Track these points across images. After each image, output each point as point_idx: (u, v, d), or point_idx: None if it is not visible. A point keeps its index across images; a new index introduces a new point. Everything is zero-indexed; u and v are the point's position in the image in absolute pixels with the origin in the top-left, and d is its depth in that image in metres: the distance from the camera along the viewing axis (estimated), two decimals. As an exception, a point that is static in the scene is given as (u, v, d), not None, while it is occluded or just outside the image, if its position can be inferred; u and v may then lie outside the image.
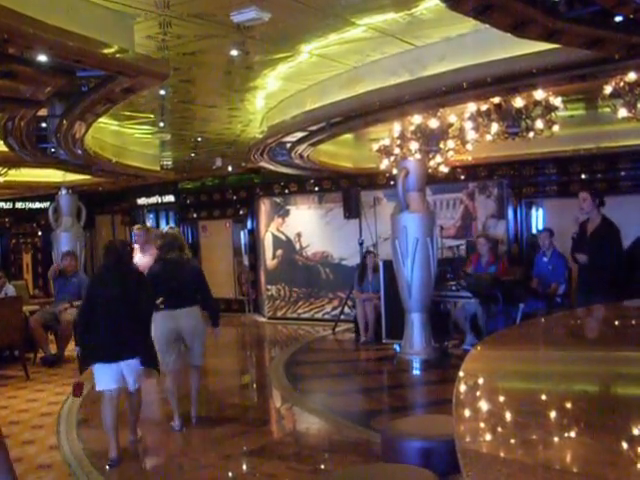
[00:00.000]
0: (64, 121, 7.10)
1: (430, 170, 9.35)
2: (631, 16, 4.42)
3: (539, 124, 7.50)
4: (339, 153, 11.82)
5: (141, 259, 7.82)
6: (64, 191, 13.36)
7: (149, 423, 6.65)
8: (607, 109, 7.59)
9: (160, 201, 16.86)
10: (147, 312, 5.72)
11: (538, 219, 11.61)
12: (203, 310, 6.45)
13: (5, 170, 11.29)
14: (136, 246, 7.98)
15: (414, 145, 8.42)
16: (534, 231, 11.41)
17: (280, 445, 5.97)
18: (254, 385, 8.66)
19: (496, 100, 7.43)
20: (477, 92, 6.84)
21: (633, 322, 4.70)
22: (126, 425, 5.81)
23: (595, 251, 6.98)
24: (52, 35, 4.50)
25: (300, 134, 9.02)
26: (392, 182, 10.90)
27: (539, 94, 7.22)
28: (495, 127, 7.60)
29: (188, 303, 6.25)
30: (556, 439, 2.22)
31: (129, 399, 5.77)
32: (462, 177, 11.86)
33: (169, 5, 5.19)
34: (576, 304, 7.52)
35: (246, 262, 15.25)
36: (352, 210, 12.18)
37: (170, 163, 13.59)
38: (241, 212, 15.47)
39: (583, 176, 10.97)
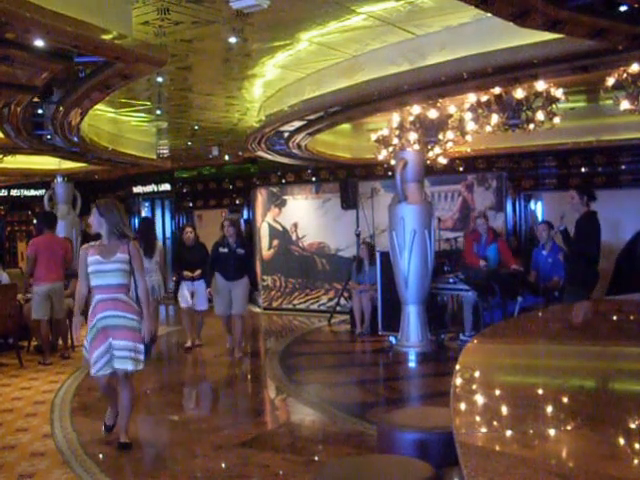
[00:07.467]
0: (60, 108, 7.05)
1: (429, 161, 9.31)
2: (636, 5, 4.37)
3: (540, 116, 7.46)
4: (337, 143, 11.77)
5: None
6: (60, 179, 13.32)
7: (144, 417, 6.63)
8: (608, 101, 7.58)
9: (156, 190, 16.83)
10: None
11: (537, 212, 11.59)
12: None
13: (1, 157, 11.23)
14: None
15: (413, 136, 8.36)
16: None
17: (274, 436, 5.94)
18: (249, 376, 8.63)
19: (496, 91, 7.38)
20: (477, 82, 6.80)
21: (631, 317, 4.68)
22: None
23: (576, 242, 7.33)
24: (49, 20, 4.43)
25: (298, 123, 8.97)
26: (390, 173, 10.88)
27: (540, 85, 7.19)
28: (495, 118, 7.55)
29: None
30: (553, 432, 2.21)
31: None
32: (461, 169, 11.82)
33: (167, -10, 5.15)
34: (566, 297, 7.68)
35: (242, 252, 15.19)
36: (349, 201, 12.12)
37: (166, 151, 13.51)
38: (237, 202, 15.42)
39: (583, 169, 10.94)
